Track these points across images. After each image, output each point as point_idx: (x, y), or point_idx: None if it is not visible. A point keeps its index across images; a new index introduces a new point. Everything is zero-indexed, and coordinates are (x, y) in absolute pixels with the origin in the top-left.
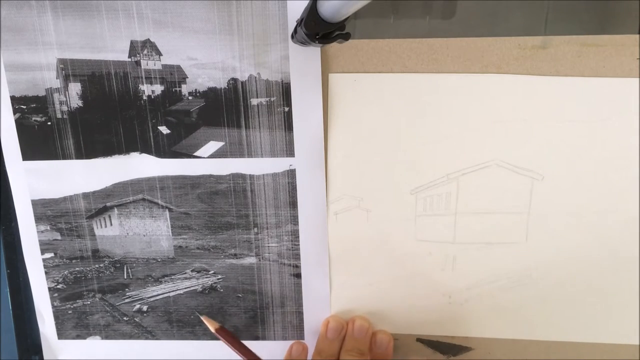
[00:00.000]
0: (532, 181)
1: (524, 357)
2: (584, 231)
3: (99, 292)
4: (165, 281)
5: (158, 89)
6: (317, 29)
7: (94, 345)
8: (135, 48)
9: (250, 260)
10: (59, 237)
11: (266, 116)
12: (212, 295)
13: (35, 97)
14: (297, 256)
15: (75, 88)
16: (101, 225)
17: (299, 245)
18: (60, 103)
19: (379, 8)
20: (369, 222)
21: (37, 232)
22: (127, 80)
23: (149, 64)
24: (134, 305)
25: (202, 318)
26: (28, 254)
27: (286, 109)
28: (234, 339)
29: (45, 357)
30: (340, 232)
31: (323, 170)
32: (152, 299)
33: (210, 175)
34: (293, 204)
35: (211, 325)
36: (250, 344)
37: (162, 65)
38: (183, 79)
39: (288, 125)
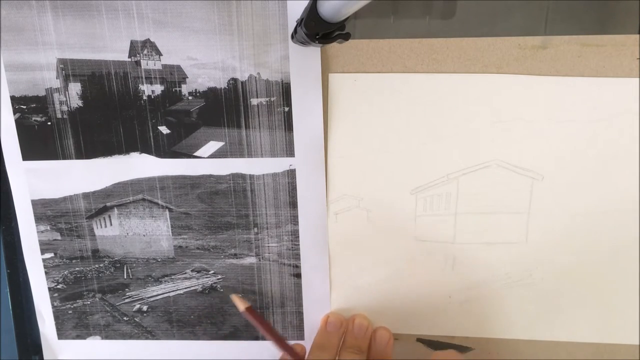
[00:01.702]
0: (532, 181)
1: (524, 357)
2: (584, 231)
3: (99, 292)
4: (165, 281)
5: (158, 89)
6: (317, 29)
7: (94, 345)
8: (135, 48)
9: (250, 260)
10: (59, 237)
11: (266, 116)
12: (212, 295)
13: (35, 97)
14: (297, 256)
15: (75, 88)
16: (101, 225)
17: (299, 245)
18: (60, 103)
19: (379, 8)
20: (369, 222)
21: (37, 232)
22: (127, 80)
23: (149, 64)
24: (134, 305)
25: (232, 297)
26: (28, 254)
27: (286, 109)
28: (263, 320)
29: (45, 357)
30: (340, 232)
31: (323, 170)
32: (152, 299)
33: (210, 175)
34: (293, 204)
35: (241, 304)
36: (250, 344)
37: (162, 65)
38: (183, 79)
39: (288, 125)
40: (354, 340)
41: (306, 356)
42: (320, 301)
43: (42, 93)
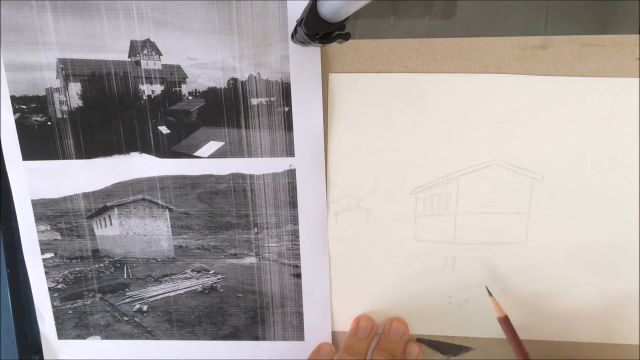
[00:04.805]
0: (532, 181)
1: None
2: (584, 231)
3: (99, 292)
4: (165, 281)
5: (158, 88)
6: (317, 29)
7: (94, 345)
8: (135, 48)
9: (250, 260)
10: (59, 237)
11: (266, 116)
12: (212, 295)
13: (35, 97)
14: (297, 256)
15: (75, 88)
16: (101, 225)
17: (299, 245)
18: (60, 103)
19: (379, 8)
20: (369, 222)
21: (37, 232)
22: (127, 80)
23: (149, 64)
24: (134, 305)
25: (491, 300)
26: (28, 254)
27: (286, 109)
28: (513, 332)
29: (45, 357)
30: (340, 232)
31: (323, 170)
32: (152, 299)
33: (210, 175)
34: (293, 204)
35: (497, 312)
36: (250, 344)
37: (162, 65)
38: (183, 79)
39: (288, 125)
40: (388, 343)
41: (335, 356)
42: (320, 301)
43: (42, 93)
